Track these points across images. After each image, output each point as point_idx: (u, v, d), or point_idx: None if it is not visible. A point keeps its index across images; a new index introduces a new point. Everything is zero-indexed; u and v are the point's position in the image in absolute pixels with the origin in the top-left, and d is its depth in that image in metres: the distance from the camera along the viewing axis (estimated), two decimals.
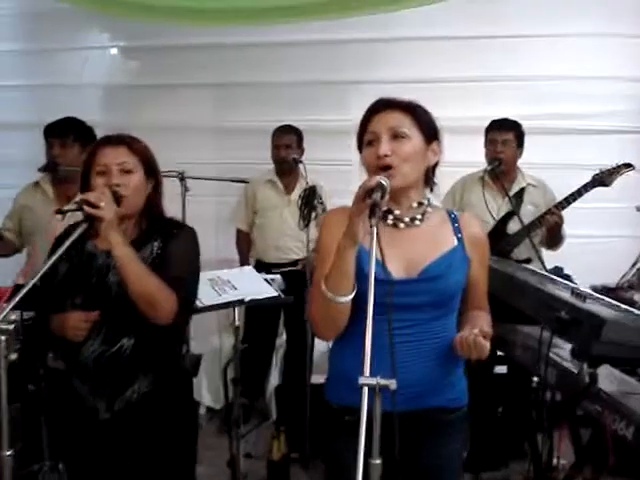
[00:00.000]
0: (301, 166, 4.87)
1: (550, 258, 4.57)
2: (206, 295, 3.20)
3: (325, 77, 5.67)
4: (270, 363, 5.32)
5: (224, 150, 5.87)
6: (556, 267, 4.29)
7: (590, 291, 2.81)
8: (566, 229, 4.49)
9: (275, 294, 3.46)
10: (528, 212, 4.47)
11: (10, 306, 1.96)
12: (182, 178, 3.96)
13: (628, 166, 4.24)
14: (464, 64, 5.43)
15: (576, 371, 2.39)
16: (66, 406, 2.49)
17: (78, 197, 2.30)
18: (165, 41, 5.79)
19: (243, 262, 5.30)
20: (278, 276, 4.18)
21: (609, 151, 5.23)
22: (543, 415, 2.63)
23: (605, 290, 4.74)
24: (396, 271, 2.08)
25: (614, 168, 4.24)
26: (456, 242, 2.19)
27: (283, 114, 5.47)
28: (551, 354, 2.49)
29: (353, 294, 2.01)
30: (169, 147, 5.65)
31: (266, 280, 3.75)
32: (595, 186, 4.24)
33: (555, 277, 3.14)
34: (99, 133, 5.44)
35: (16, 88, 6.09)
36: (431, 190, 2.25)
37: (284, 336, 5.36)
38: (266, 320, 5.10)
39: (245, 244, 5.36)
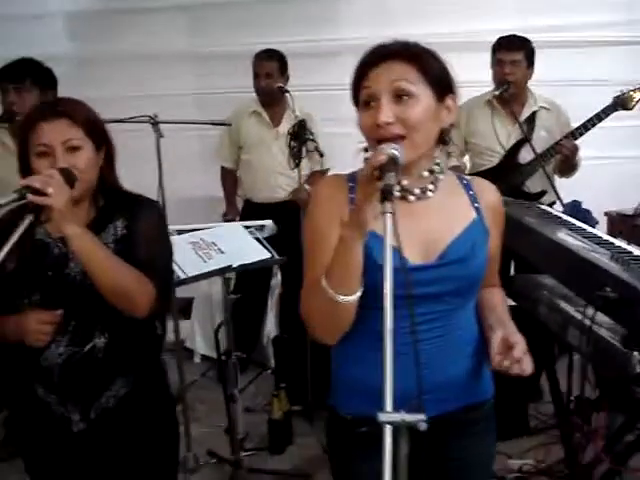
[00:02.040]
0: (288, 95, 4.41)
1: (563, 184, 4.24)
2: (190, 262, 2.83)
3: None
4: (265, 309, 5.03)
5: (202, 78, 5.45)
6: (574, 202, 3.97)
7: (630, 248, 2.46)
8: (580, 152, 4.12)
9: (266, 256, 3.08)
10: (541, 139, 4.10)
11: None
12: (154, 123, 3.48)
13: None
14: None
15: (622, 349, 2.05)
16: (30, 419, 2.15)
17: (20, 183, 1.89)
18: None
19: (229, 202, 4.97)
20: (269, 222, 3.83)
21: (622, 64, 4.90)
22: None
23: (621, 217, 4.45)
24: (412, 255, 1.69)
25: (636, 89, 3.83)
26: (474, 214, 1.81)
27: (265, 35, 5.04)
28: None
29: (361, 291, 1.63)
30: (142, 77, 5.32)
31: (256, 232, 3.40)
32: (616, 110, 3.86)
33: (583, 227, 2.77)
34: (65, 66, 5.11)
35: None
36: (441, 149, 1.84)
37: (279, 276, 5.05)
38: None
39: (231, 183, 4.97)
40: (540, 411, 4.09)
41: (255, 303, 4.89)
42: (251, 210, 4.79)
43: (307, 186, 4.55)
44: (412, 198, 1.76)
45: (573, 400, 3.24)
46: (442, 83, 1.72)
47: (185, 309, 5.09)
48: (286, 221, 4.37)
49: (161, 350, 2.26)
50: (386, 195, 1.40)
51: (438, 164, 1.79)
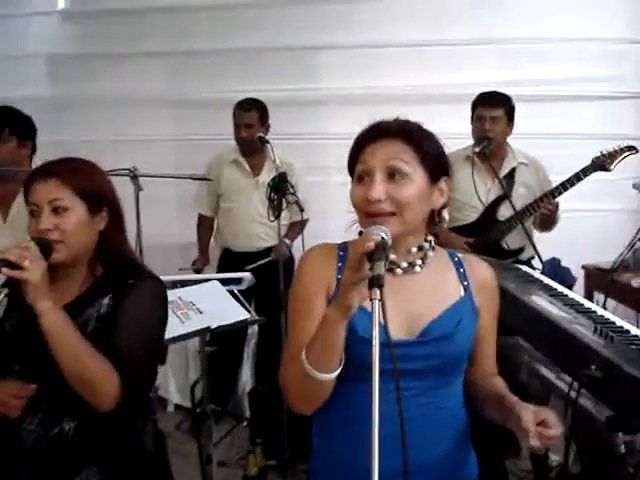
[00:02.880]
0: (268, 144, 4.40)
1: (542, 235, 4.25)
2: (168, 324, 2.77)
3: (292, 42, 5.22)
4: (241, 359, 4.96)
5: (182, 124, 5.42)
6: (553, 259, 3.96)
7: (612, 318, 2.46)
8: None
9: (245, 317, 3.03)
10: (520, 194, 4.11)
11: None
12: (134, 176, 3.44)
13: (631, 149, 3.85)
14: (445, 26, 5.02)
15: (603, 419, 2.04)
16: None
17: None
18: (114, 4, 5.31)
19: (202, 250, 4.92)
20: (247, 274, 3.81)
21: (607, 118, 4.96)
22: None
23: (599, 271, 4.46)
24: (393, 328, 1.64)
25: (616, 151, 3.86)
26: (463, 292, 1.79)
27: (246, 84, 5.06)
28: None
29: (340, 369, 1.61)
30: (121, 121, 5.29)
31: (232, 287, 3.36)
32: (595, 170, 3.87)
33: (565, 292, 2.76)
34: (45, 107, 5.08)
35: None
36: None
37: (255, 326, 4.96)
38: None
39: (206, 231, 4.93)
40: (519, 467, 4.06)
41: (231, 354, 4.81)
42: (229, 259, 4.75)
43: (287, 240, 4.54)
44: (399, 272, 1.75)
45: (551, 463, 3.23)
46: (437, 166, 1.73)
47: (161, 356, 5.01)
48: (264, 271, 4.35)
49: (141, 442, 2.12)
50: (376, 284, 1.40)
51: (429, 241, 1.79)
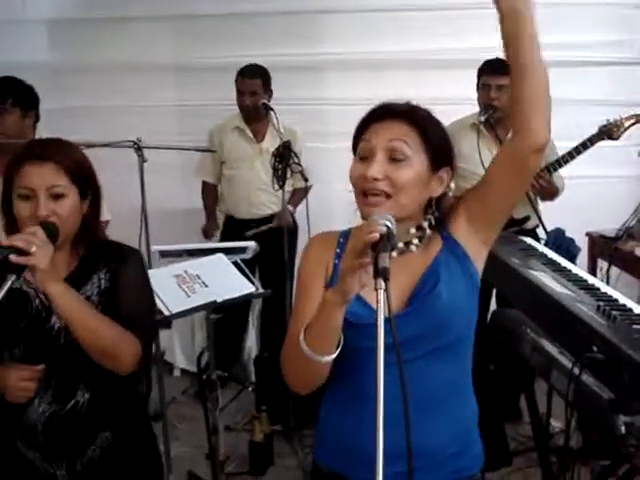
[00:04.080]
0: (272, 112, 4.37)
1: (547, 203, 4.24)
2: (173, 297, 2.80)
3: (295, 6, 5.13)
4: (246, 325, 5.00)
5: (185, 90, 5.35)
6: (557, 229, 3.95)
7: (615, 295, 2.46)
8: (562, 172, 4.13)
9: (250, 290, 3.05)
10: None
11: None
12: (138, 148, 3.43)
13: (639, 118, 3.81)
14: None
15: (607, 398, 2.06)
16: (14, 477, 2.08)
17: (2, 242, 1.84)
18: None
19: (210, 217, 4.92)
20: (251, 243, 3.83)
21: (615, 84, 4.94)
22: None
23: (603, 239, 4.46)
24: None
25: (622, 119, 3.82)
26: (441, 243, 1.77)
27: (249, 48, 4.97)
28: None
29: (338, 351, 1.64)
30: (123, 87, 5.25)
31: (237, 257, 3.37)
32: (602, 139, 3.85)
33: (569, 267, 2.76)
34: (46, 74, 5.04)
35: None
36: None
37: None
38: None
39: (212, 198, 4.92)
40: (519, 432, 4.10)
41: (236, 320, 4.84)
42: (233, 226, 4.76)
43: (290, 207, 4.53)
44: (394, 254, 1.71)
45: (553, 429, 3.27)
46: (439, 154, 1.73)
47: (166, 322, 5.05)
48: (268, 238, 4.37)
49: (146, 405, 2.23)
50: (381, 276, 1.39)
51: (430, 221, 1.77)
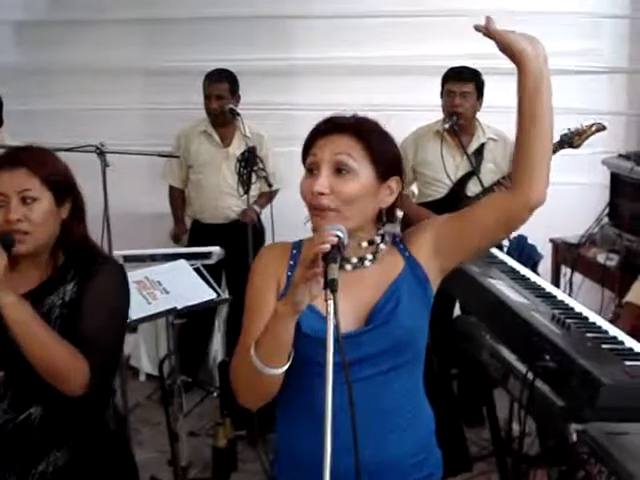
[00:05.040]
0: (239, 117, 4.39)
1: None
2: (134, 304, 2.77)
3: (264, 11, 5.17)
4: (212, 330, 5.00)
5: (153, 94, 5.35)
6: (520, 236, 4.00)
7: (571, 303, 2.50)
8: None
9: (211, 297, 3.05)
10: (488, 171, 4.16)
11: None
12: (101, 153, 3.42)
13: (599, 126, 3.88)
14: None
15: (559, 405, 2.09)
16: None
17: None
18: None
19: (178, 220, 4.92)
20: (216, 248, 3.86)
21: (581, 93, 5.00)
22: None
23: (567, 246, 4.51)
24: (343, 323, 1.68)
25: (584, 128, 3.88)
26: (403, 264, 1.79)
27: (218, 53, 5.02)
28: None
29: (288, 364, 1.64)
30: (91, 92, 5.21)
31: (199, 264, 3.37)
32: (563, 147, 3.91)
33: (527, 276, 2.80)
34: (12, 75, 5.01)
35: None
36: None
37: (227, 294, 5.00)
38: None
39: (179, 202, 4.91)
40: (482, 437, 4.13)
41: (201, 325, 4.83)
42: (199, 231, 4.76)
43: (256, 207, 4.54)
44: (349, 267, 1.75)
45: (514, 434, 3.29)
46: (387, 164, 1.73)
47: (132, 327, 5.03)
48: (234, 242, 4.37)
49: (106, 421, 2.17)
50: (330, 288, 1.42)
51: (381, 235, 1.79)
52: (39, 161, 2.00)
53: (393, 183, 1.75)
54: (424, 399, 1.87)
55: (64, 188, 2.03)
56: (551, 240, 4.67)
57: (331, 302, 1.41)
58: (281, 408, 1.83)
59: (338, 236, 1.52)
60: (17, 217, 1.92)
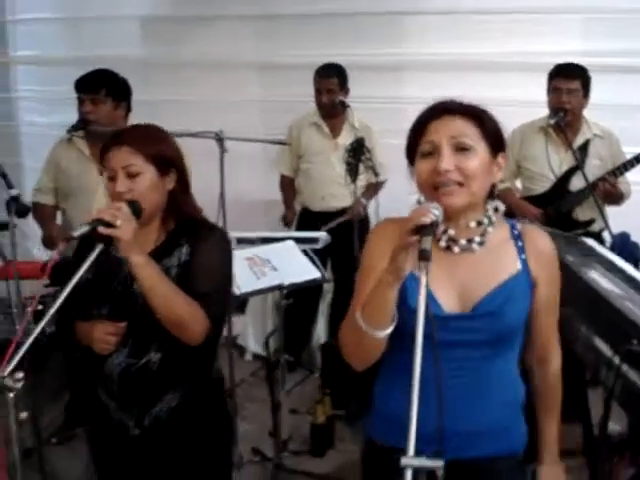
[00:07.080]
0: (348, 108, 4.58)
1: (613, 209, 4.27)
2: (244, 279, 2.99)
3: (374, 7, 5.29)
4: (316, 314, 5.18)
5: (268, 86, 5.58)
6: (623, 233, 3.98)
7: None
8: (629, 178, 4.19)
9: (316, 276, 3.22)
10: (593, 167, 4.14)
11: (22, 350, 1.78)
12: (219, 139, 3.65)
13: None
14: None
15: None
16: (94, 419, 2.36)
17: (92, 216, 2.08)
18: None
19: (289, 206, 5.13)
20: (323, 233, 4.02)
21: None
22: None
23: None
24: (448, 304, 1.83)
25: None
26: (520, 265, 1.88)
27: (330, 47, 5.18)
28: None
29: (391, 328, 1.77)
30: (209, 84, 5.48)
31: (307, 247, 3.54)
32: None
33: (624, 268, 2.81)
34: (138, 69, 5.31)
35: (53, 21, 5.84)
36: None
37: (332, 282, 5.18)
38: None
39: (289, 190, 5.13)
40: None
41: (307, 308, 5.02)
42: (307, 218, 4.96)
43: (363, 199, 4.70)
44: (457, 249, 1.86)
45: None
46: (496, 141, 1.84)
47: (241, 304, 5.27)
48: (341, 231, 4.54)
49: (214, 367, 2.41)
50: (422, 258, 1.56)
51: (489, 217, 1.88)
52: (140, 138, 2.22)
53: (501, 159, 1.86)
54: (517, 375, 1.99)
55: (167, 162, 2.24)
56: None
57: (423, 272, 1.54)
58: (382, 374, 1.99)
59: (436, 214, 1.66)
60: (123, 190, 2.15)
